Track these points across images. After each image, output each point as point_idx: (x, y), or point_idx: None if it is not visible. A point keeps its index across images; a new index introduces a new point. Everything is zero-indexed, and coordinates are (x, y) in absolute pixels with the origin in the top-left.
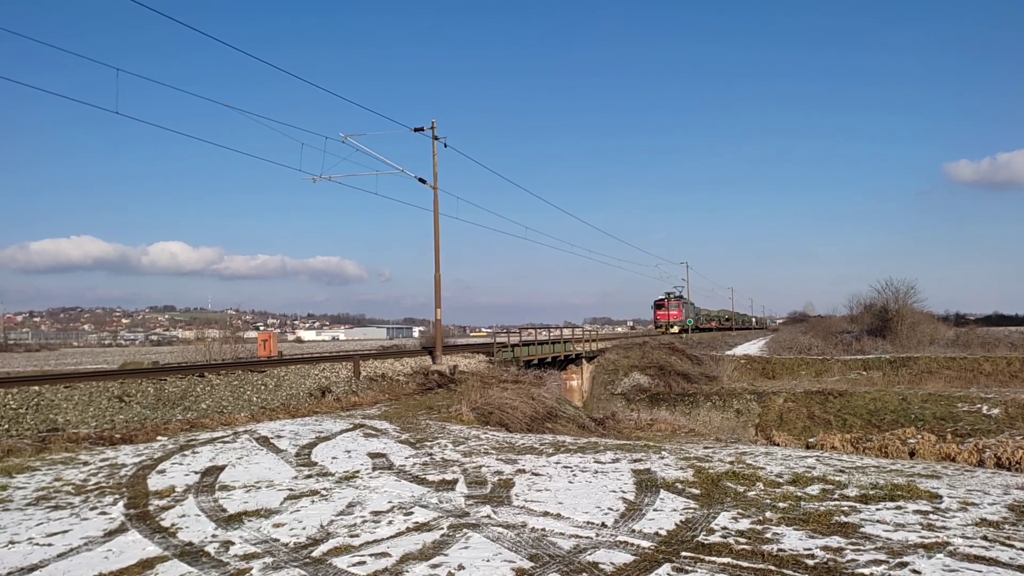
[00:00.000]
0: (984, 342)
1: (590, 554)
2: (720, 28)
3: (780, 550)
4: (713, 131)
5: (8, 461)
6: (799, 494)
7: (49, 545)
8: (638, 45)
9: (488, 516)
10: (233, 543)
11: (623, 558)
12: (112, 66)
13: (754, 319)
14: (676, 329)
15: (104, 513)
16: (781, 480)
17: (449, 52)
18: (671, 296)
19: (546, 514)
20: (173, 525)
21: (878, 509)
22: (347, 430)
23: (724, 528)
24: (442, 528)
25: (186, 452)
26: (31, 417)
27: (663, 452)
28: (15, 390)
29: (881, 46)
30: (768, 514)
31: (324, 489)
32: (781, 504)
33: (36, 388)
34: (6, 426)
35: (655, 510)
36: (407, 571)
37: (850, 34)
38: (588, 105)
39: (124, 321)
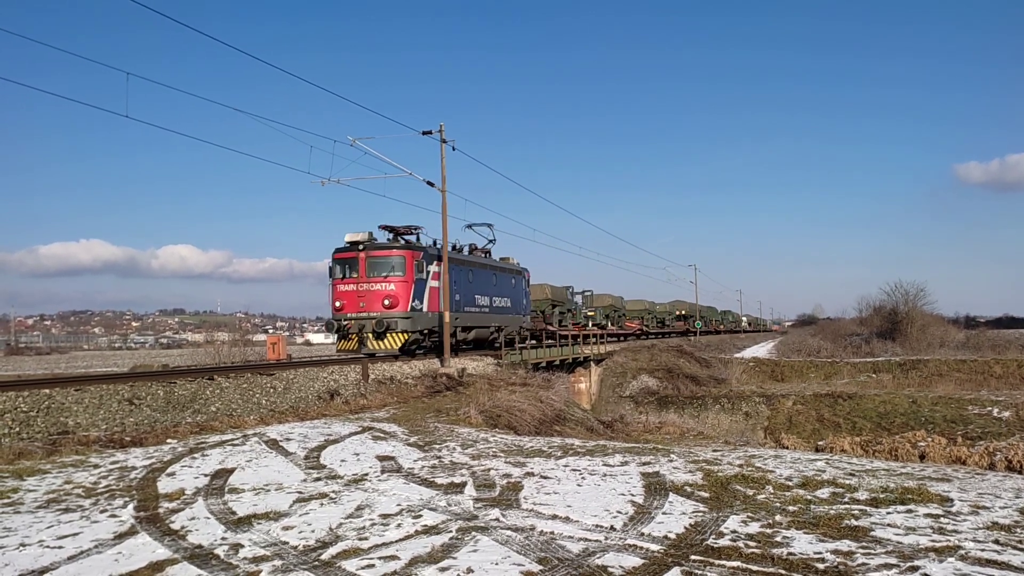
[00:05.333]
0: (995, 344)
1: (599, 557)
2: (727, 31)
3: (790, 554)
4: (721, 134)
5: (19, 464)
6: (809, 497)
7: (59, 548)
8: (645, 49)
9: (497, 519)
10: (242, 546)
11: (632, 561)
12: (122, 70)
13: (745, 320)
14: (392, 344)
15: (114, 516)
16: (791, 483)
17: (456, 56)
18: (388, 238)
19: (555, 517)
20: (183, 528)
21: (888, 512)
22: (356, 433)
23: (733, 532)
24: (451, 531)
25: (196, 455)
26: (42, 420)
27: (672, 455)
28: (26, 393)
29: (889, 49)
30: (778, 517)
31: (333, 492)
32: (791, 507)
33: (47, 391)
34: (17, 429)
35: (664, 513)
36: (416, 574)
37: (858, 37)
38: (596, 108)
39: (134, 324)
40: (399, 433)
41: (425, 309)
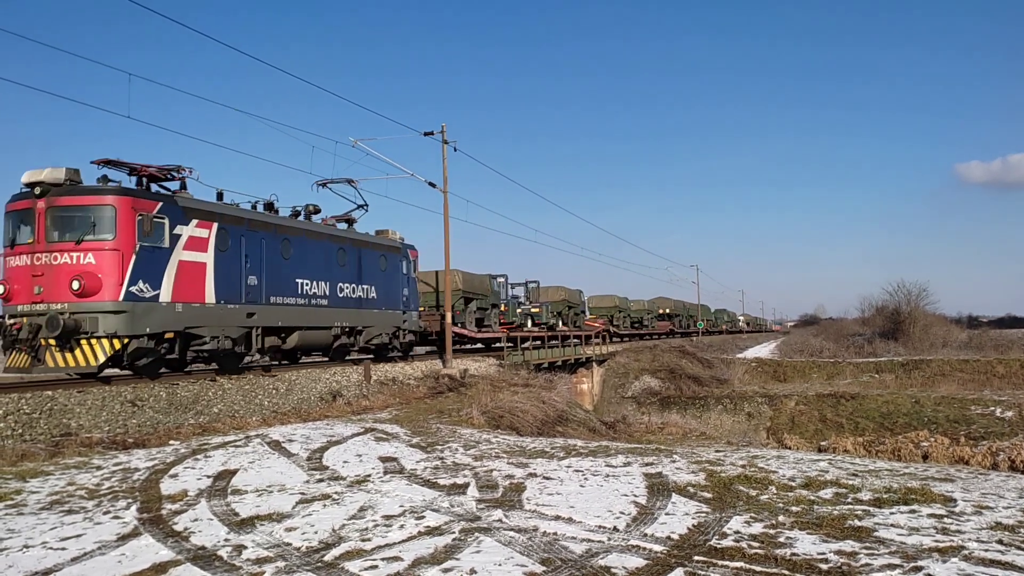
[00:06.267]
0: (997, 344)
1: (602, 558)
2: (726, 25)
3: (793, 554)
4: (721, 132)
5: (22, 465)
6: (812, 498)
7: (63, 549)
8: (646, 44)
9: (500, 520)
10: (246, 547)
11: (635, 562)
12: (124, 71)
13: (742, 319)
14: (89, 357)
15: (117, 517)
16: (794, 484)
17: (458, 52)
18: (102, 180)
19: (557, 518)
20: (186, 529)
21: (892, 513)
22: (358, 434)
23: (737, 532)
24: (454, 532)
25: (198, 456)
26: (45, 422)
27: (674, 455)
28: (29, 395)
29: (890, 44)
30: (781, 518)
31: (336, 493)
32: (794, 508)
33: (49, 393)
34: (20, 431)
35: (667, 514)
36: (419, 575)
37: (859, 32)
38: (598, 105)
39: None
40: (401, 434)
41: (164, 298)
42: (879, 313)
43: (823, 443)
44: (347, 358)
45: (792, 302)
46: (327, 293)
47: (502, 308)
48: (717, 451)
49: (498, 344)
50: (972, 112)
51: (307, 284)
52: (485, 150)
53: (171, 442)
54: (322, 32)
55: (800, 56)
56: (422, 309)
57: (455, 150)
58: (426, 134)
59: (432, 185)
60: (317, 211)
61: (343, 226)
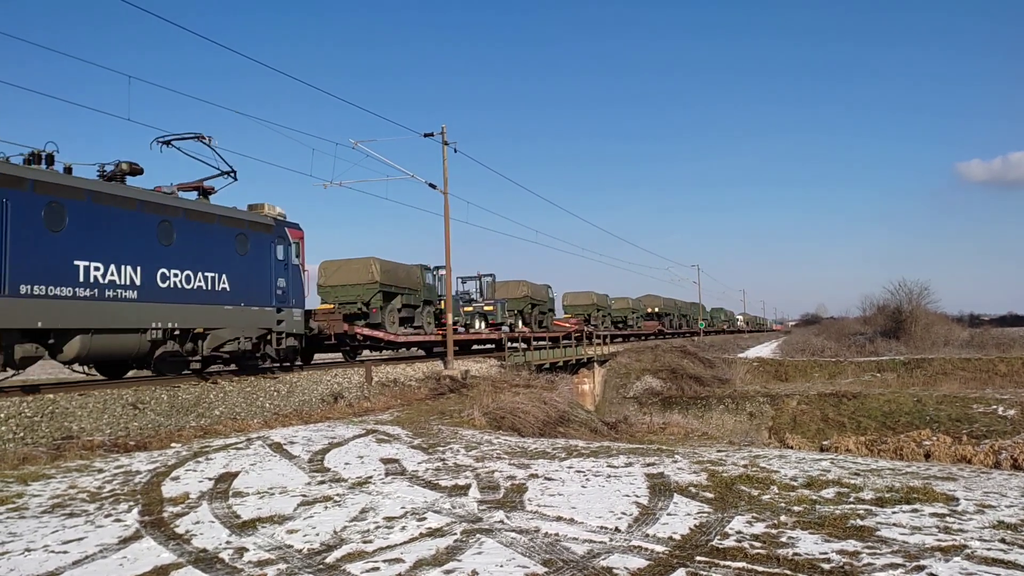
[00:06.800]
0: (999, 343)
1: (604, 559)
2: (726, 25)
3: (795, 554)
4: (722, 131)
5: (24, 469)
6: (814, 497)
7: (64, 552)
8: (646, 45)
9: (501, 521)
10: (247, 549)
11: (637, 563)
12: (124, 73)
13: (741, 319)
14: None
15: (119, 520)
16: (795, 483)
17: (458, 52)
18: None
19: (559, 519)
20: (187, 532)
21: (894, 512)
22: (360, 436)
23: (739, 532)
24: (455, 534)
25: (200, 459)
26: (46, 425)
27: (676, 456)
28: (30, 398)
29: (890, 44)
30: (783, 518)
31: (337, 495)
32: (796, 508)
33: (51, 396)
34: (22, 434)
35: (669, 514)
36: None
37: (859, 32)
38: (598, 105)
39: None
40: (403, 436)
41: None
42: (880, 312)
43: (825, 442)
44: (185, 372)
45: (793, 302)
46: (138, 282)
47: (440, 305)
48: (719, 451)
49: (441, 349)
50: (972, 111)
51: (98, 269)
52: (485, 150)
53: (172, 444)
54: (322, 33)
55: (800, 56)
56: (330, 307)
57: (455, 151)
58: (426, 135)
59: (432, 186)
60: (135, 172)
61: (192, 196)
